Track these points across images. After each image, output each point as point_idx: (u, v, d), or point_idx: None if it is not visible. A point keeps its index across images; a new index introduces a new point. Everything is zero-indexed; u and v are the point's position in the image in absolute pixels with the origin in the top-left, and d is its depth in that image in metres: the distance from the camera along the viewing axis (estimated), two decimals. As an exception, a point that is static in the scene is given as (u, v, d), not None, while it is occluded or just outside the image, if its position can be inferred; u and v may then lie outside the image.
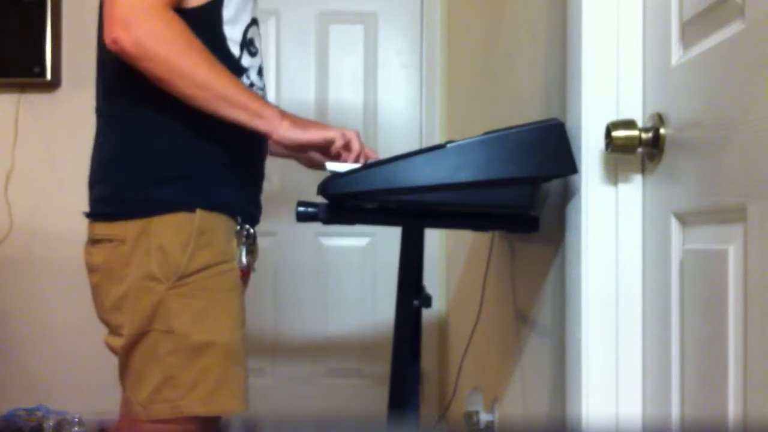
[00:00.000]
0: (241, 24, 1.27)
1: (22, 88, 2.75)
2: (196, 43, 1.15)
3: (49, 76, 2.68)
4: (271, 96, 2.78)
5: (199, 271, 1.19)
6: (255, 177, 1.36)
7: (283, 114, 1.24)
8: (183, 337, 1.18)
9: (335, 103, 2.84)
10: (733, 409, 0.81)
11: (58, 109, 2.74)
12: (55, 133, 2.75)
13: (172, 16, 1.14)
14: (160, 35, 1.12)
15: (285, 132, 1.21)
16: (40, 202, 2.76)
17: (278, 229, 2.75)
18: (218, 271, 1.21)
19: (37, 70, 2.68)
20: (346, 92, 2.84)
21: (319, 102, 2.84)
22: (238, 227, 1.26)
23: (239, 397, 1.22)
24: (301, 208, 1.30)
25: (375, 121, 2.84)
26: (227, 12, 1.24)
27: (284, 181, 2.67)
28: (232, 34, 1.26)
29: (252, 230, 1.29)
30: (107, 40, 1.13)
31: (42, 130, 2.77)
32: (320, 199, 1.25)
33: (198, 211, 1.20)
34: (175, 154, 1.20)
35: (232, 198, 1.27)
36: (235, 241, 1.26)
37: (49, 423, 2.53)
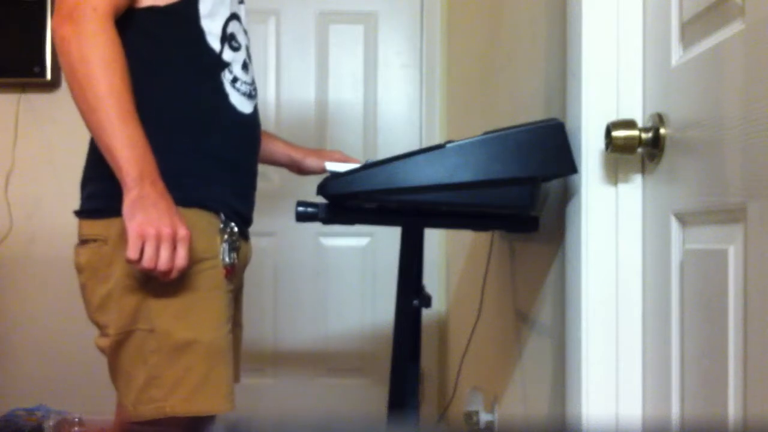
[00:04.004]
0: (219, 18, 1.27)
1: (22, 88, 2.75)
2: (114, 67, 1.12)
3: (49, 76, 2.68)
4: (271, 96, 2.80)
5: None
6: (242, 173, 1.34)
7: (143, 182, 1.10)
8: (165, 335, 1.18)
9: (335, 103, 2.84)
10: (733, 409, 0.81)
11: (58, 109, 2.74)
12: (55, 133, 2.75)
13: (109, 28, 1.13)
14: (84, 41, 1.11)
15: (126, 200, 1.11)
16: (40, 202, 2.76)
17: (278, 229, 2.75)
18: (200, 269, 1.20)
19: (37, 70, 2.68)
20: (346, 92, 2.84)
21: (319, 102, 2.84)
22: (222, 225, 1.25)
23: (224, 396, 1.21)
24: (301, 208, 1.30)
25: (375, 121, 2.84)
26: (204, 7, 1.24)
27: (284, 181, 2.67)
28: (211, 28, 1.26)
29: (236, 228, 1.28)
30: (51, 22, 1.15)
31: (42, 130, 2.77)
32: (320, 199, 1.25)
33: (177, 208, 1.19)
34: (153, 151, 1.16)
35: (215, 194, 1.25)
36: (218, 239, 1.24)
37: (49, 423, 2.53)
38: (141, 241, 1.09)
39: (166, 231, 1.10)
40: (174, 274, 1.13)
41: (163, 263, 1.11)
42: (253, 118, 1.35)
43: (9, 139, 2.76)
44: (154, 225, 1.09)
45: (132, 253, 1.09)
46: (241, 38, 1.33)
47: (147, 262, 1.10)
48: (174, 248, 1.11)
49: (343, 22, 2.84)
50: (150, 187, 1.11)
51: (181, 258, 1.12)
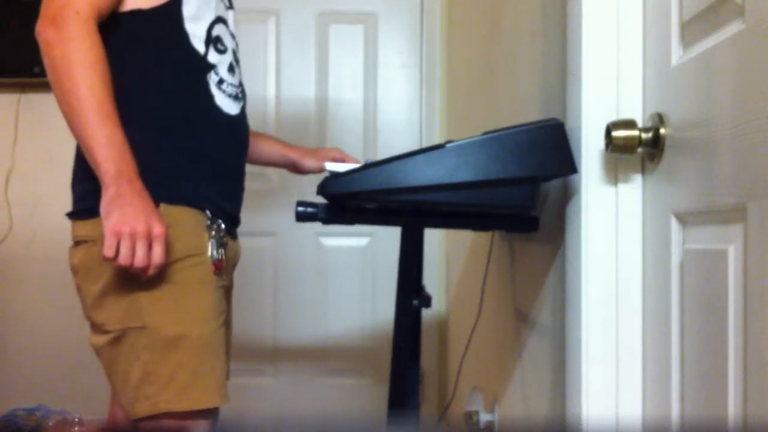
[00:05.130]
0: (204, 21, 1.28)
1: (22, 88, 2.75)
2: (95, 70, 1.14)
3: (49, 76, 2.68)
4: (271, 96, 2.80)
5: (167, 265, 1.19)
6: (229, 172, 1.35)
7: (120, 180, 1.12)
8: (155, 332, 1.19)
9: (335, 103, 2.84)
10: (733, 409, 0.81)
11: (58, 109, 2.73)
12: (55, 133, 2.75)
13: (91, 31, 1.15)
14: (67, 44, 1.13)
15: (103, 198, 1.12)
16: (40, 202, 2.76)
17: (278, 229, 2.74)
18: (188, 264, 1.21)
19: (37, 70, 2.67)
20: (346, 92, 2.84)
21: (319, 102, 2.84)
22: (208, 221, 1.26)
23: (216, 390, 1.22)
24: (301, 208, 1.30)
25: (375, 121, 2.84)
26: (188, 9, 1.26)
27: (284, 181, 2.67)
28: (195, 30, 1.27)
29: (223, 224, 1.28)
30: (36, 25, 1.16)
31: (42, 130, 2.77)
32: (320, 199, 1.25)
33: (162, 205, 1.20)
34: (138, 149, 1.18)
35: (201, 192, 1.26)
36: (205, 235, 1.25)
37: (49, 423, 2.53)
38: (116, 239, 1.11)
39: (140, 229, 1.11)
40: (152, 271, 1.14)
41: (138, 260, 1.12)
42: (240, 119, 1.36)
43: (9, 139, 2.76)
44: (128, 223, 1.11)
45: (107, 251, 1.11)
46: (227, 42, 1.34)
47: (123, 259, 1.11)
48: (150, 246, 1.13)
49: (343, 22, 2.84)
50: (127, 186, 1.13)
51: (157, 255, 1.14)
